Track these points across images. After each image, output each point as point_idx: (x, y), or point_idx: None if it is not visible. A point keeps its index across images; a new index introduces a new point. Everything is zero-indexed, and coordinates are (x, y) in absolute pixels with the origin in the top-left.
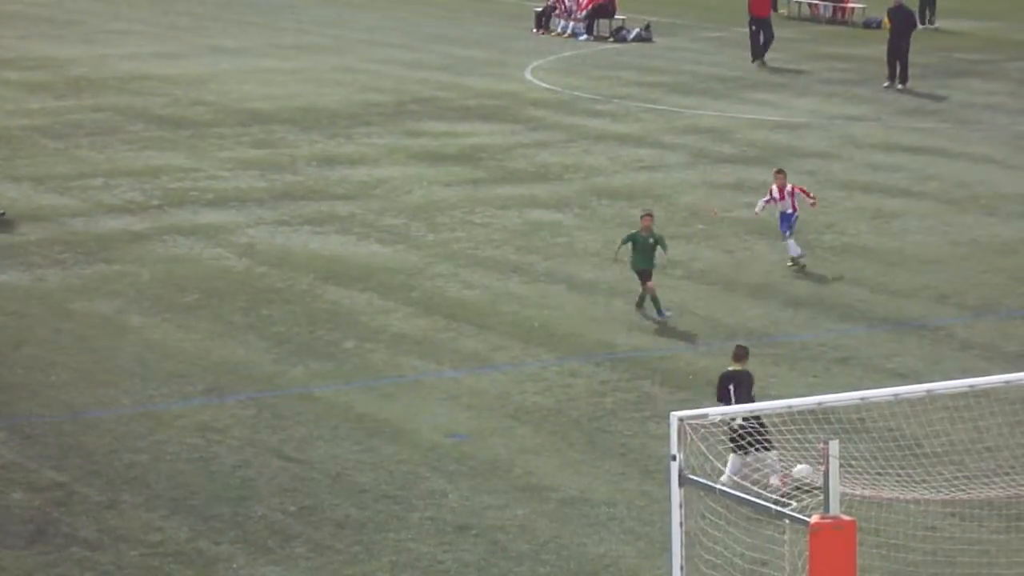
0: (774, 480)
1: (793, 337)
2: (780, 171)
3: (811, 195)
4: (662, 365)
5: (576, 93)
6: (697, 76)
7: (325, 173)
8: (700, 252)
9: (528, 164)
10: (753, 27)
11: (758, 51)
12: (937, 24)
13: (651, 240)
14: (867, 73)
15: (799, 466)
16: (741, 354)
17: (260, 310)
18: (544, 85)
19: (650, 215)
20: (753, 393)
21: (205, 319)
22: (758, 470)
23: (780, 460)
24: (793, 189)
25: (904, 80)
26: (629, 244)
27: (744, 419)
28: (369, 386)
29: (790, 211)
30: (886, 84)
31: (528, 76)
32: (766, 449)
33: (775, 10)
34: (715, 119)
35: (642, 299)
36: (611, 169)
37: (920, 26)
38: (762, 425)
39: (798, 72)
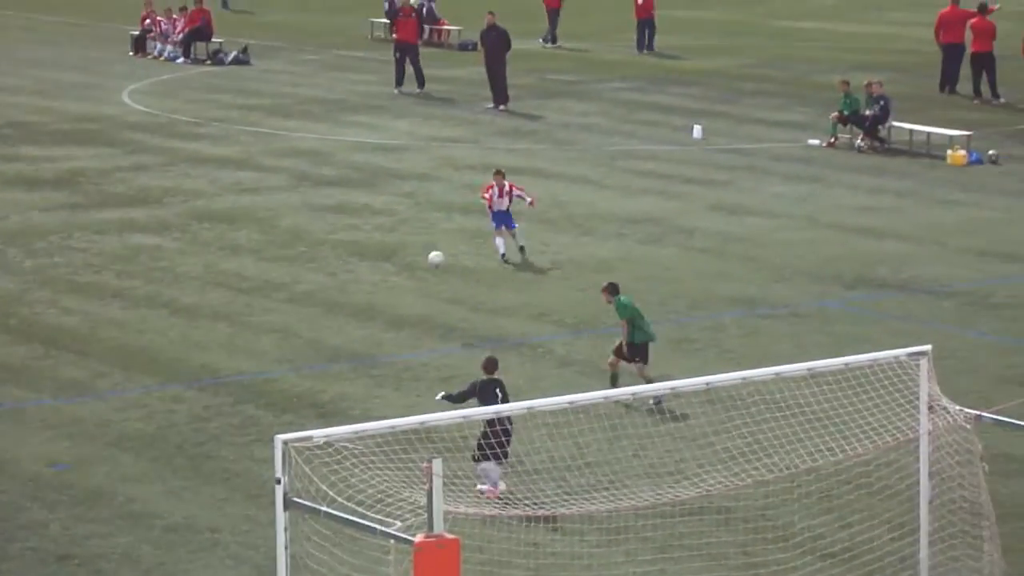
0: (482, 487)
1: (396, 357)
2: (499, 172)
3: (527, 195)
4: (266, 388)
5: (174, 116)
6: (296, 98)
7: None
8: (303, 275)
9: (127, 188)
10: (398, 54)
11: (408, 78)
12: (563, 44)
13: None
14: (464, 95)
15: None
16: (495, 365)
17: None
18: (142, 108)
19: (605, 289)
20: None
21: None
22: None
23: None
24: (511, 188)
25: (503, 101)
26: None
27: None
28: None
29: (506, 209)
30: (488, 106)
31: (125, 99)
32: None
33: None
34: (315, 141)
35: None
36: (211, 192)
37: (544, 44)
38: (507, 435)
39: (395, 95)
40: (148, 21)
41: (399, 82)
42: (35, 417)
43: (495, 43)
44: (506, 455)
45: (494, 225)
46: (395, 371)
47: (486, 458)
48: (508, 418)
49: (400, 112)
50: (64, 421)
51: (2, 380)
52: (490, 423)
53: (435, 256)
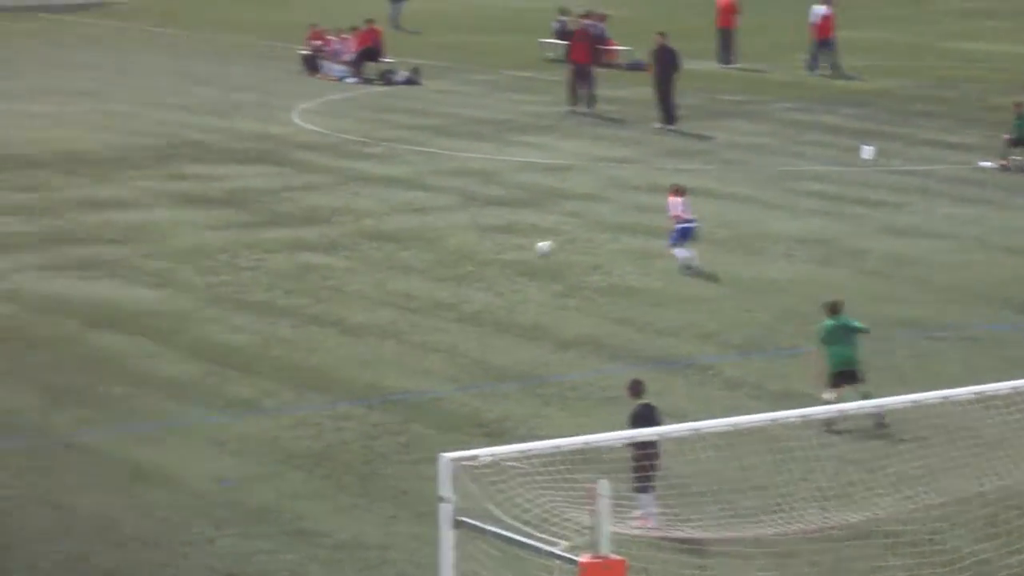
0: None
1: (563, 378)
2: (678, 188)
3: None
4: (433, 407)
5: (344, 136)
6: (465, 119)
7: (91, 217)
8: (471, 294)
9: (297, 207)
10: (571, 75)
11: (581, 98)
12: (738, 65)
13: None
14: (633, 115)
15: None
16: (642, 388)
17: (26, 357)
18: (312, 128)
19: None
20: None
21: None
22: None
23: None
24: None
25: (671, 121)
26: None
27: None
28: (137, 432)
29: (691, 224)
30: (657, 126)
31: (296, 119)
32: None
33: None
34: (483, 162)
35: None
36: (380, 211)
37: (723, 66)
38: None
39: (563, 114)
40: (319, 41)
41: (572, 103)
42: (204, 434)
43: (664, 63)
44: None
45: (672, 240)
46: (561, 391)
47: (638, 485)
48: (657, 443)
49: (568, 132)
50: (233, 438)
51: (172, 397)
52: (638, 446)
53: (543, 245)
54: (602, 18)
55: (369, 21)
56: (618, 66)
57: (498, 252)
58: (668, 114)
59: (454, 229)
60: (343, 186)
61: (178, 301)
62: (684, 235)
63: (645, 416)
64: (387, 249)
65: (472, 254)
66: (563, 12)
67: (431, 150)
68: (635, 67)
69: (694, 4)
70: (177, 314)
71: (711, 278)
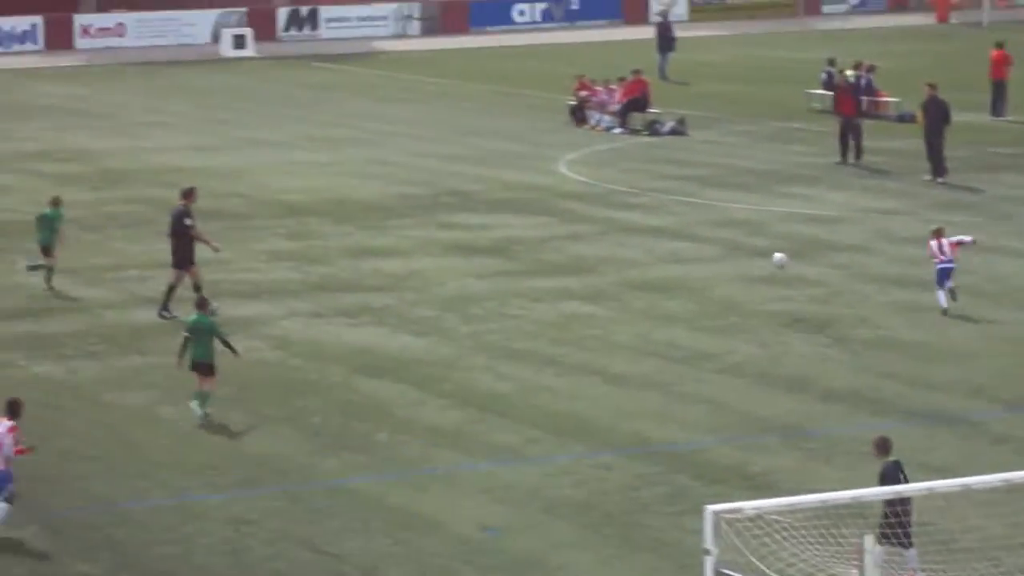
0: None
1: (827, 431)
2: (938, 229)
3: (960, 242)
4: (696, 458)
5: (610, 186)
6: (731, 169)
7: (359, 265)
8: (735, 345)
9: (562, 256)
10: (839, 127)
11: (849, 150)
12: (1010, 117)
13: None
14: (901, 167)
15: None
16: (889, 445)
17: (293, 402)
18: (578, 178)
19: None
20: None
21: (238, 411)
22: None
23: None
24: (950, 244)
25: (940, 174)
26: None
27: (895, 508)
28: (402, 479)
29: (948, 265)
30: (926, 178)
31: (562, 169)
32: (906, 546)
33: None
34: (749, 212)
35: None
36: (645, 261)
37: (994, 118)
38: (908, 519)
39: (831, 165)
40: (586, 91)
41: (842, 154)
42: (468, 481)
43: (934, 115)
44: (909, 537)
45: (937, 280)
46: (826, 444)
47: (888, 541)
48: (909, 499)
49: (835, 183)
50: (496, 486)
51: (437, 444)
52: (890, 503)
53: (780, 256)
54: (871, 69)
55: (636, 72)
56: (887, 117)
57: (763, 303)
58: (938, 166)
59: (719, 280)
60: (608, 236)
61: (443, 349)
62: (942, 275)
63: (893, 474)
64: (651, 299)
65: (737, 305)
66: (831, 63)
67: (697, 200)
68: (905, 119)
69: (965, 55)
70: (442, 361)
71: (980, 332)
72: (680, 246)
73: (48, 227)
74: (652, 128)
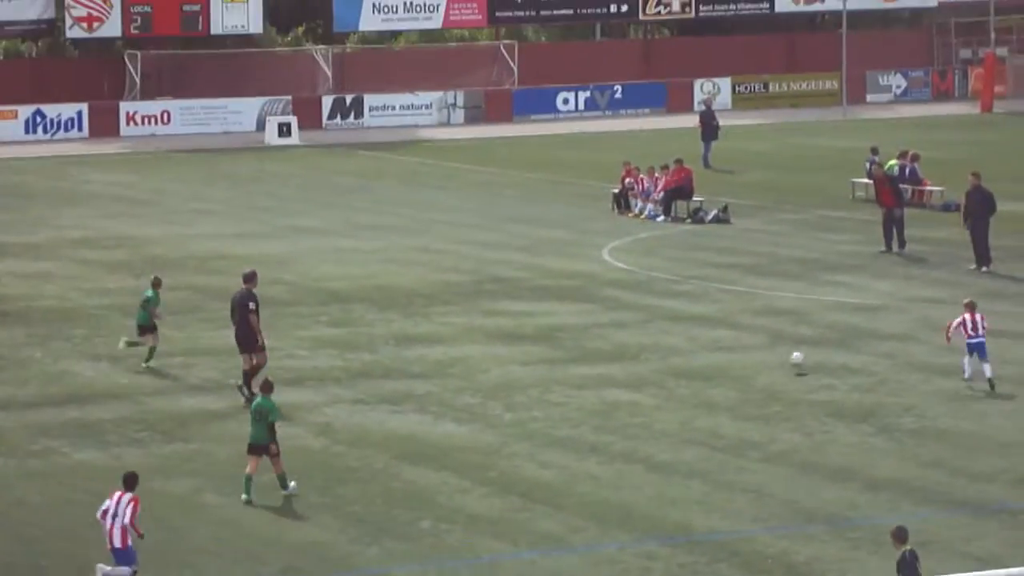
0: None
1: (872, 520)
2: (969, 303)
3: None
4: (740, 547)
5: (653, 273)
6: (775, 258)
7: (402, 352)
8: (779, 434)
9: (605, 344)
10: (883, 216)
11: (892, 239)
12: None
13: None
14: (946, 256)
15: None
16: (905, 535)
17: (336, 489)
18: (621, 265)
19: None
20: None
21: (281, 498)
22: None
23: None
24: (982, 319)
25: (985, 263)
26: None
27: None
28: (445, 567)
29: (979, 339)
30: (971, 267)
31: (605, 256)
32: None
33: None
34: (793, 300)
35: None
36: (689, 349)
37: None
38: None
39: (875, 254)
40: (630, 179)
41: (887, 244)
42: (512, 570)
43: (979, 204)
44: None
45: (967, 349)
46: (872, 534)
47: None
48: None
49: (879, 272)
50: (539, 574)
51: (480, 532)
52: None
53: (797, 355)
54: (915, 158)
55: (679, 160)
56: (932, 207)
57: (807, 392)
58: (982, 255)
59: (762, 368)
60: (652, 323)
61: (486, 436)
62: (971, 350)
63: (911, 564)
64: (695, 387)
65: (780, 393)
66: (874, 152)
67: (740, 288)
68: (949, 208)
69: (1010, 145)
70: (485, 449)
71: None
72: (723, 334)
73: (146, 307)
74: (695, 216)
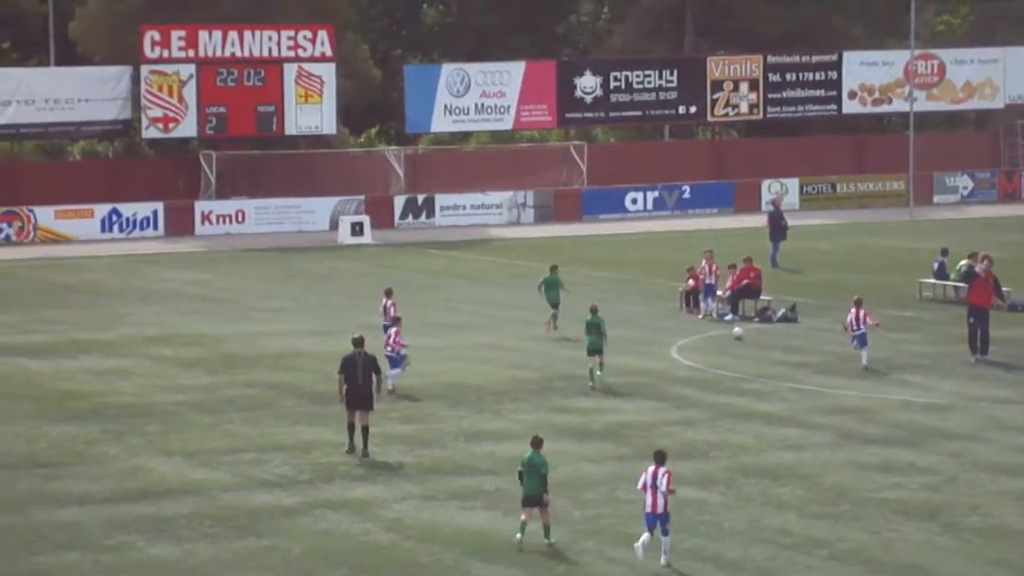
0: None
1: None
2: (857, 300)
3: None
4: None
5: (721, 372)
6: (842, 356)
7: (472, 448)
8: (846, 532)
9: (674, 441)
10: (971, 319)
11: (976, 344)
12: None
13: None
14: (1013, 356)
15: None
16: None
17: None
18: (689, 363)
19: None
20: None
21: None
22: None
23: None
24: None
25: None
26: None
27: None
28: None
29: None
30: None
31: (674, 354)
32: None
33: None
34: (860, 400)
35: None
36: (757, 447)
37: None
38: None
39: (943, 354)
40: (695, 281)
41: (973, 347)
42: None
43: None
44: None
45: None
46: None
47: None
48: None
49: (947, 372)
50: None
51: None
52: None
53: (738, 331)
54: (985, 259)
55: (747, 259)
56: (999, 307)
57: (875, 490)
58: None
59: (830, 466)
60: (719, 421)
61: (555, 532)
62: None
63: None
64: (762, 485)
65: (848, 492)
66: (944, 252)
67: (808, 387)
68: (1016, 308)
69: None
70: (554, 545)
71: None
72: (791, 432)
73: (555, 287)
74: (763, 315)
